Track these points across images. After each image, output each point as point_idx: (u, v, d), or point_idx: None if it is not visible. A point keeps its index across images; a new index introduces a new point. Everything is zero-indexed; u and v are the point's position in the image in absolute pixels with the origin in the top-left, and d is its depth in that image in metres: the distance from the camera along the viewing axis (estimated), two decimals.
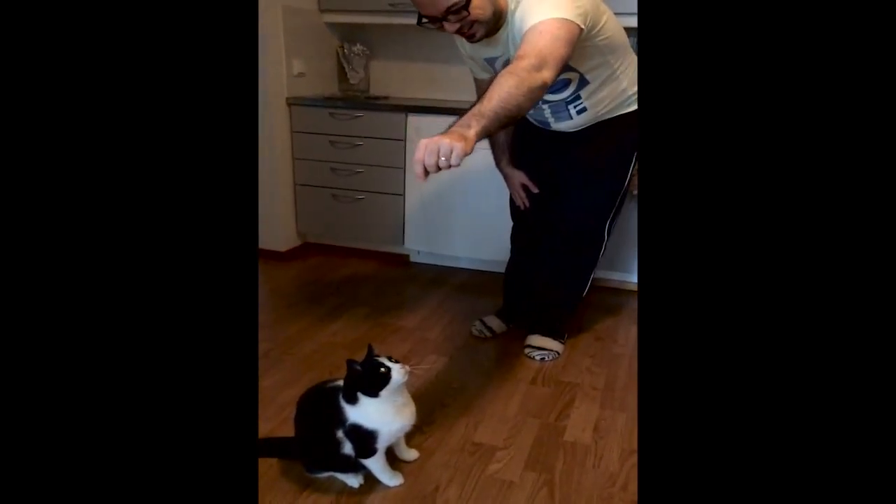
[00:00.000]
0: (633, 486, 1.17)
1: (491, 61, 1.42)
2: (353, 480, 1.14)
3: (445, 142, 0.96)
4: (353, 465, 1.11)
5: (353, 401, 1.06)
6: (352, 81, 2.56)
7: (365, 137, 2.24)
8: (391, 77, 2.63)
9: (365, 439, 1.06)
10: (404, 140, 2.20)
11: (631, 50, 1.44)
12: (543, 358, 1.66)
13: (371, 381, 1.04)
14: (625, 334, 1.87)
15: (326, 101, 2.29)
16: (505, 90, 1.06)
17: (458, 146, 0.97)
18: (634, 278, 2.19)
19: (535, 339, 1.69)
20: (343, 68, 2.55)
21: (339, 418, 1.07)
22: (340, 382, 1.09)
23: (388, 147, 2.23)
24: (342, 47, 2.52)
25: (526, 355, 1.68)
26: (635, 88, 1.48)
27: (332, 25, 2.46)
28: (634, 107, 1.49)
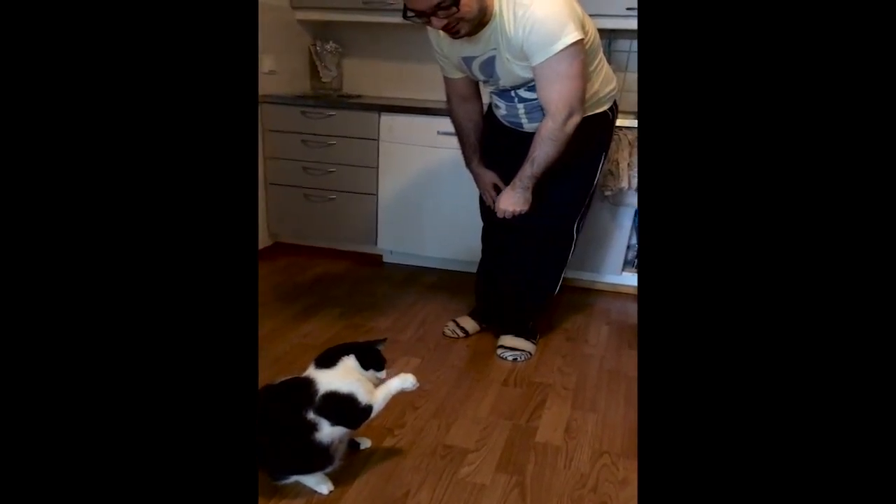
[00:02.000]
0: (603, 488, 1.19)
1: (468, 60, 1.42)
2: (323, 487, 1.12)
3: (518, 210, 1.48)
4: (324, 457, 1.09)
5: (329, 365, 1.10)
6: (324, 80, 2.52)
7: (337, 136, 2.21)
8: (364, 75, 2.60)
9: (344, 405, 1.07)
10: (377, 139, 2.18)
11: (602, 52, 1.46)
12: (516, 358, 1.67)
13: (376, 358, 1.14)
14: (595, 334, 1.89)
15: (298, 100, 2.25)
16: (546, 153, 1.39)
17: (526, 209, 1.48)
18: (604, 278, 2.23)
19: (507, 340, 1.70)
20: (315, 66, 2.51)
21: (308, 397, 1.06)
22: (295, 375, 1.10)
23: (361, 146, 2.20)
24: (314, 45, 2.48)
25: (498, 356, 1.69)
26: (607, 89, 1.49)
27: (304, 23, 2.42)
28: (604, 107, 1.51)
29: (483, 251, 1.81)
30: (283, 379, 1.11)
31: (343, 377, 1.08)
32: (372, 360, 1.13)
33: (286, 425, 1.06)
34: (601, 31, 1.47)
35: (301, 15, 2.35)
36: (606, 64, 1.49)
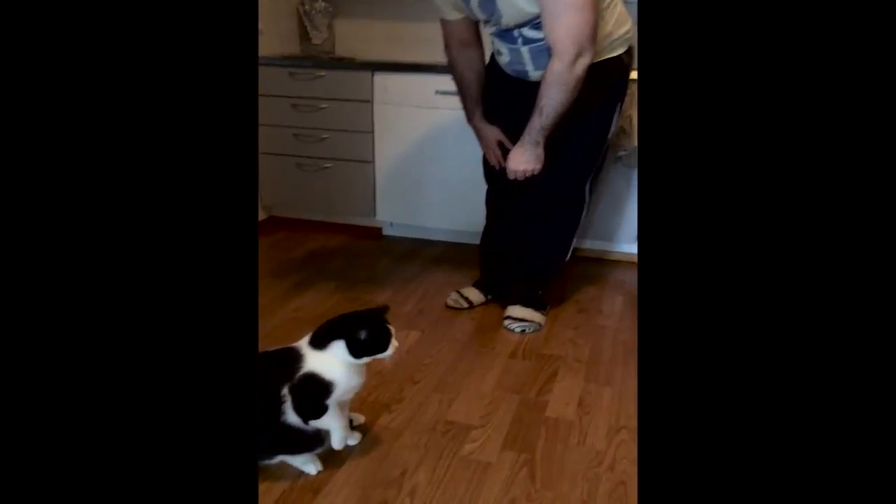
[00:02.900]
0: (622, 466, 1.07)
1: None
2: (311, 467, 1.01)
3: (531, 169, 1.35)
4: (301, 440, 0.97)
5: (321, 346, 0.96)
6: (314, 42, 2.37)
7: (329, 99, 2.07)
8: (357, 37, 2.45)
9: (317, 391, 0.95)
10: (371, 101, 2.03)
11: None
12: (524, 330, 1.54)
13: (376, 342, 0.96)
14: (609, 305, 1.76)
15: (285, 60, 2.11)
16: (555, 100, 1.25)
17: (539, 168, 1.35)
18: (618, 247, 2.09)
19: (515, 310, 1.57)
20: (305, 28, 2.37)
21: (289, 372, 0.94)
22: (288, 345, 0.98)
23: (355, 109, 2.06)
24: (303, 4, 2.33)
25: (505, 327, 1.56)
26: (621, 31, 1.34)
27: None
28: (618, 51, 1.36)
29: (487, 216, 1.67)
30: (276, 348, 1.00)
31: (330, 363, 0.95)
32: (368, 344, 0.95)
33: (267, 401, 0.94)
34: None
35: None
36: (621, 2, 1.34)
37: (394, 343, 0.97)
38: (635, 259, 2.10)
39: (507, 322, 1.56)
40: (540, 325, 1.57)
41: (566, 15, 1.17)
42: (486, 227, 1.69)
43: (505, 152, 1.47)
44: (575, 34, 1.18)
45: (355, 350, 0.95)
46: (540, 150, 1.32)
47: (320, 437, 0.99)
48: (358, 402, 1.15)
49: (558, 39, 1.20)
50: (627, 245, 2.07)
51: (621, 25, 1.34)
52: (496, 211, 1.64)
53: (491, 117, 1.48)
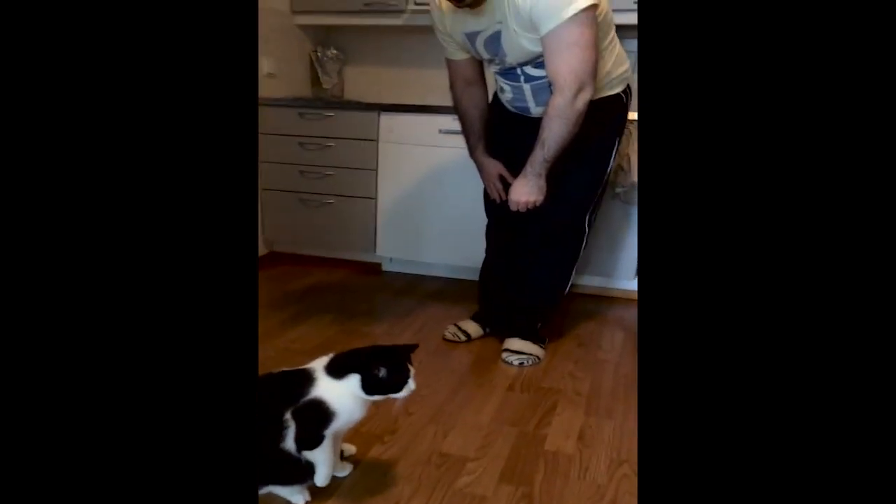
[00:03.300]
0: (623, 500, 1.02)
1: (472, 37, 1.33)
2: (299, 497, 0.97)
3: (532, 200, 1.36)
4: (293, 469, 0.93)
5: (337, 375, 0.92)
6: (325, 86, 2.48)
7: (336, 138, 2.14)
8: (365, 82, 2.56)
9: (318, 420, 0.91)
10: (376, 140, 2.10)
11: (614, 30, 1.37)
12: (522, 363, 1.52)
13: (392, 381, 0.92)
14: (609, 340, 1.74)
15: (296, 101, 2.20)
16: (557, 133, 1.28)
17: (541, 199, 1.37)
18: (617, 284, 2.08)
19: (514, 343, 1.55)
20: (316, 73, 2.48)
21: (295, 395, 0.91)
22: (303, 366, 0.95)
23: (360, 148, 2.12)
24: (315, 51, 2.45)
25: (503, 360, 1.53)
26: (619, 70, 1.40)
27: (305, 28, 2.39)
28: (617, 89, 1.41)
29: (487, 249, 1.68)
30: (288, 369, 0.97)
31: (340, 393, 0.92)
32: (385, 382, 0.91)
33: (269, 425, 0.91)
34: None
35: (301, 20, 2.33)
36: (619, 43, 1.41)
37: (410, 385, 0.93)
38: (635, 296, 2.09)
39: (505, 355, 1.54)
40: (539, 358, 1.54)
41: (567, 53, 1.22)
42: (486, 260, 1.69)
43: (506, 186, 1.50)
44: (576, 71, 1.23)
45: (369, 386, 0.91)
46: (542, 182, 1.35)
47: (312, 468, 0.96)
48: (350, 432, 1.11)
49: (560, 76, 1.24)
50: (627, 282, 2.07)
51: (620, 65, 1.40)
52: (496, 244, 1.65)
53: (493, 152, 1.52)
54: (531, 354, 1.53)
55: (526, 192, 1.35)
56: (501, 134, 1.51)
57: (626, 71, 1.43)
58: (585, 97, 1.25)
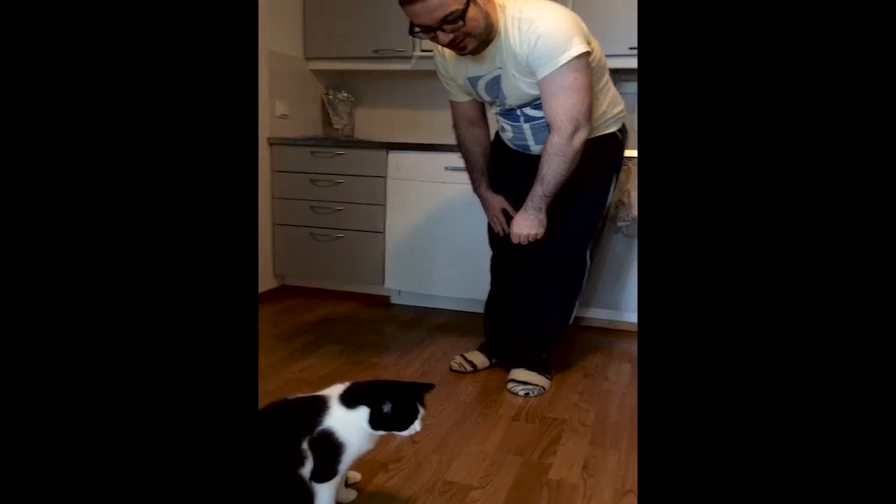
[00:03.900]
0: None
1: (473, 81, 1.42)
2: None
3: (534, 234, 1.41)
4: (304, 496, 0.94)
5: (350, 405, 0.93)
6: (336, 126, 2.59)
7: (346, 175, 2.23)
8: (375, 123, 2.67)
9: (330, 452, 0.92)
10: (385, 176, 2.18)
11: (608, 74, 1.45)
12: (528, 393, 1.52)
13: (398, 419, 0.93)
14: (616, 371, 1.74)
15: (308, 140, 2.30)
16: (556, 170, 1.34)
17: (542, 233, 1.42)
18: (623, 317, 2.09)
19: (519, 374, 1.56)
20: (328, 114, 2.60)
21: (310, 425, 0.92)
22: (319, 392, 0.97)
23: (369, 184, 2.20)
24: (327, 94, 2.57)
25: (509, 390, 1.54)
26: (614, 111, 1.47)
27: (317, 72, 2.53)
28: (613, 128, 1.48)
29: (492, 282, 1.72)
30: (303, 395, 0.99)
31: (350, 424, 0.93)
32: (390, 418, 0.92)
33: (284, 453, 0.92)
34: None
35: (314, 65, 2.47)
36: (613, 86, 1.48)
37: (415, 426, 0.93)
38: (634, 327, 2.09)
39: (510, 385, 1.55)
40: (544, 388, 1.55)
41: (563, 96, 1.28)
42: (491, 293, 1.72)
43: (508, 219, 1.55)
44: (571, 112, 1.29)
45: (374, 421, 0.92)
46: (542, 216, 1.39)
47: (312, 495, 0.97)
48: (357, 460, 1.13)
49: (557, 117, 1.31)
50: (632, 314, 2.08)
51: (614, 106, 1.47)
52: (500, 276, 1.69)
53: (496, 187, 1.58)
54: (537, 385, 1.54)
55: (527, 225, 1.40)
56: (503, 170, 1.57)
57: (620, 111, 1.50)
58: (582, 136, 1.32)
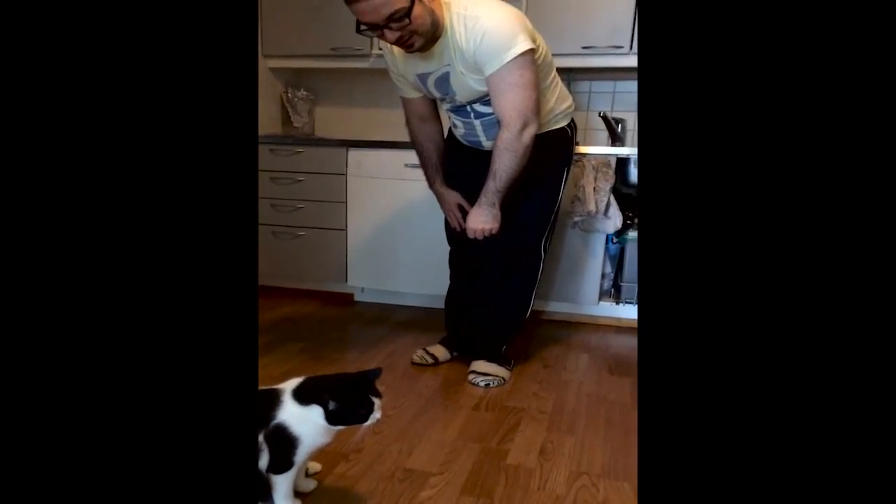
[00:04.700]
0: None
1: (423, 77, 1.44)
2: None
3: (489, 228, 1.43)
4: (262, 487, 0.95)
5: (302, 402, 0.93)
6: (296, 125, 2.57)
7: (306, 173, 2.21)
8: (335, 122, 2.66)
9: (284, 446, 0.92)
10: (345, 174, 2.18)
11: (555, 70, 1.50)
12: (488, 384, 1.56)
13: (352, 412, 0.93)
14: (574, 361, 1.79)
15: (267, 138, 2.27)
16: (507, 165, 1.36)
17: (496, 227, 1.43)
18: (581, 309, 2.16)
19: (480, 365, 1.59)
20: (287, 113, 2.57)
21: (265, 418, 0.92)
22: (275, 386, 0.97)
23: (330, 182, 2.20)
24: (286, 92, 2.55)
25: (469, 381, 1.57)
26: (562, 106, 1.52)
27: (275, 70, 2.50)
28: (562, 123, 1.53)
29: (451, 276, 1.75)
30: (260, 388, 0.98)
31: (303, 419, 0.93)
32: (343, 414, 0.92)
33: None
34: (558, 70, 1.51)
35: (272, 63, 2.44)
36: (561, 82, 1.53)
37: (376, 415, 0.93)
38: (599, 321, 2.16)
39: (471, 377, 1.58)
40: (504, 379, 1.59)
41: (511, 92, 1.30)
42: (451, 287, 1.75)
43: (464, 214, 1.58)
44: (520, 107, 1.31)
45: (332, 418, 0.92)
46: (496, 211, 1.41)
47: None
48: (316, 451, 1.13)
49: (505, 113, 1.33)
50: (590, 307, 2.14)
51: (562, 101, 1.52)
52: (459, 270, 1.71)
53: (451, 183, 1.60)
54: (497, 376, 1.57)
55: (482, 220, 1.42)
56: (457, 166, 1.60)
57: (569, 107, 1.55)
58: (531, 132, 1.35)
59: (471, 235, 1.46)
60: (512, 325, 1.65)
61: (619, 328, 2.13)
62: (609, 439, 1.31)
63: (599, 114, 2.25)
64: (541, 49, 1.37)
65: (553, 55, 1.46)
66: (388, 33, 1.26)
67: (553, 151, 1.51)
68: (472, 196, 1.50)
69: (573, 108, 1.57)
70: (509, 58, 1.28)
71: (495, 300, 1.60)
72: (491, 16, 1.28)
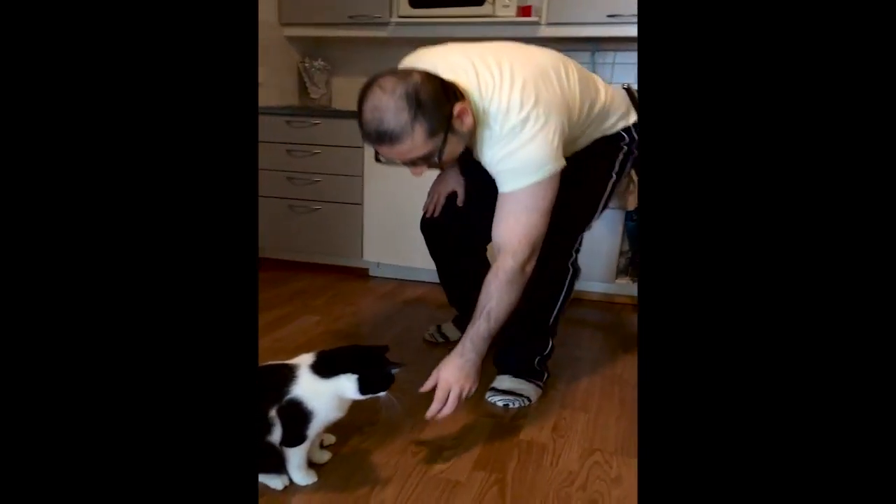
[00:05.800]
0: (594, 486, 1.05)
1: None
2: (277, 482, 1.00)
3: (467, 389, 1.11)
4: (276, 460, 0.97)
5: (325, 375, 0.94)
6: (313, 96, 2.54)
7: (323, 145, 2.19)
8: (353, 93, 2.60)
9: (298, 420, 0.94)
10: (363, 147, 2.15)
11: (600, 82, 1.31)
12: (507, 405, 1.31)
13: (385, 379, 0.97)
14: (589, 339, 1.78)
15: (284, 109, 2.25)
16: (507, 303, 1.11)
17: (473, 388, 1.12)
18: (596, 287, 2.14)
19: (503, 381, 1.36)
20: (304, 84, 2.54)
21: (279, 393, 0.94)
22: (287, 361, 0.99)
23: (347, 154, 2.18)
24: (303, 62, 2.52)
25: (486, 399, 1.34)
26: (615, 118, 1.33)
27: (293, 39, 2.46)
28: (618, 127, 1.32)
29: (438, 263, 1.63)
30: (272, 363, 1.00)
31: (323, 393, 0.94)
32: (376, 383, 0.95)
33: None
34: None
35: (289, 31, 2.40)
36: (610, 91, 1.33)
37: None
38: (615, 299, 2.14)
39: (489, 394, 1.34)
40: (529, 399, 1.33)
41: (525, 216, 1.10)
42: (441, 272, 1.64)
43: (450, 204, 1.43)
44: (531, 234, 1.10)
45: (365, 386, 0.93)
46: (479, 366, 1.12)
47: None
48: (331, 425, 1.15)
49: (514, 237, 1.10)
50: (606, 285, 2.12)
51: (618, 109, 1.34)
52: (446, 255, 1.57)
53: (464, 170, 1.42)
54: (520, 396, 1.33)
55: (462, 375, 1.10)
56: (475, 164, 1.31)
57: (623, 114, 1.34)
58: (533, 264, 1.14)
59: (439, 393, 1.09)
60: (543, 336, 1.38)
61: (635, 306, 2.11)
62: (623, 417, 1.30)
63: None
64: (581, 108, 1.17)
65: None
66: (413, 169, 1.09)
67: (599, 160, 1.29)
68: (476, 191, 1.33)
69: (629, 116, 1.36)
70: (538, 179, 1.07)
71: (516, 323, 1.23)
72: (524, 148, 1.05)
